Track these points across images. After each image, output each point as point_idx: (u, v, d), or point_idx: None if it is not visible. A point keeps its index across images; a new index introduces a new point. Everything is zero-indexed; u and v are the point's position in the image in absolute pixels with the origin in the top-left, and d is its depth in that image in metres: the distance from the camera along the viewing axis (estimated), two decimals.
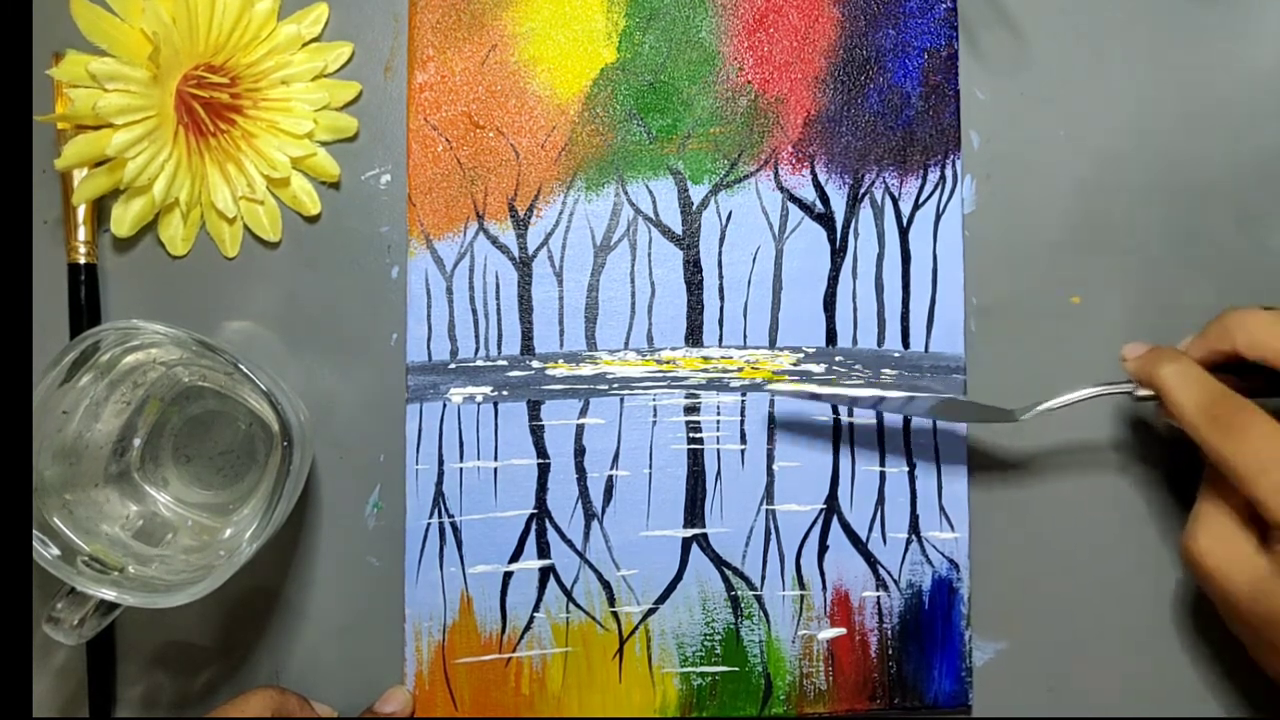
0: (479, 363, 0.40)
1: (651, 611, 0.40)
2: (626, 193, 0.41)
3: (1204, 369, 0.36)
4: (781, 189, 0.41)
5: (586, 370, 0.41)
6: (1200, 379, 0.35)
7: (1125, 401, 0.40)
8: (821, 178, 0.41)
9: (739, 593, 0.40)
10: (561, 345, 0.41)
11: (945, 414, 0.39)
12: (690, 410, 0.41)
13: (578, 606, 0.40)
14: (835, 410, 0.41)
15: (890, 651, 0.40)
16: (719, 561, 0.40)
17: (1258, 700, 0.40)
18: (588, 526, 0.40)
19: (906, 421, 0.41)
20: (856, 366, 0.41)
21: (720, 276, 0.41)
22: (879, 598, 0.40)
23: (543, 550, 0.40)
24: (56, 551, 0.35)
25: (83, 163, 0.39)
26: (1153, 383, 0.36)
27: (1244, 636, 0.36)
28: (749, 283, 0.41)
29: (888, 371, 0.41)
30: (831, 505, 0.40)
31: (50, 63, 0.40)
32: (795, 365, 0.41)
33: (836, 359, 0.41)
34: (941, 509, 0.41)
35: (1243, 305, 0.36)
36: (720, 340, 0.41)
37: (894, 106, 0.41)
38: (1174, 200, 0.42)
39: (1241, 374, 0.36)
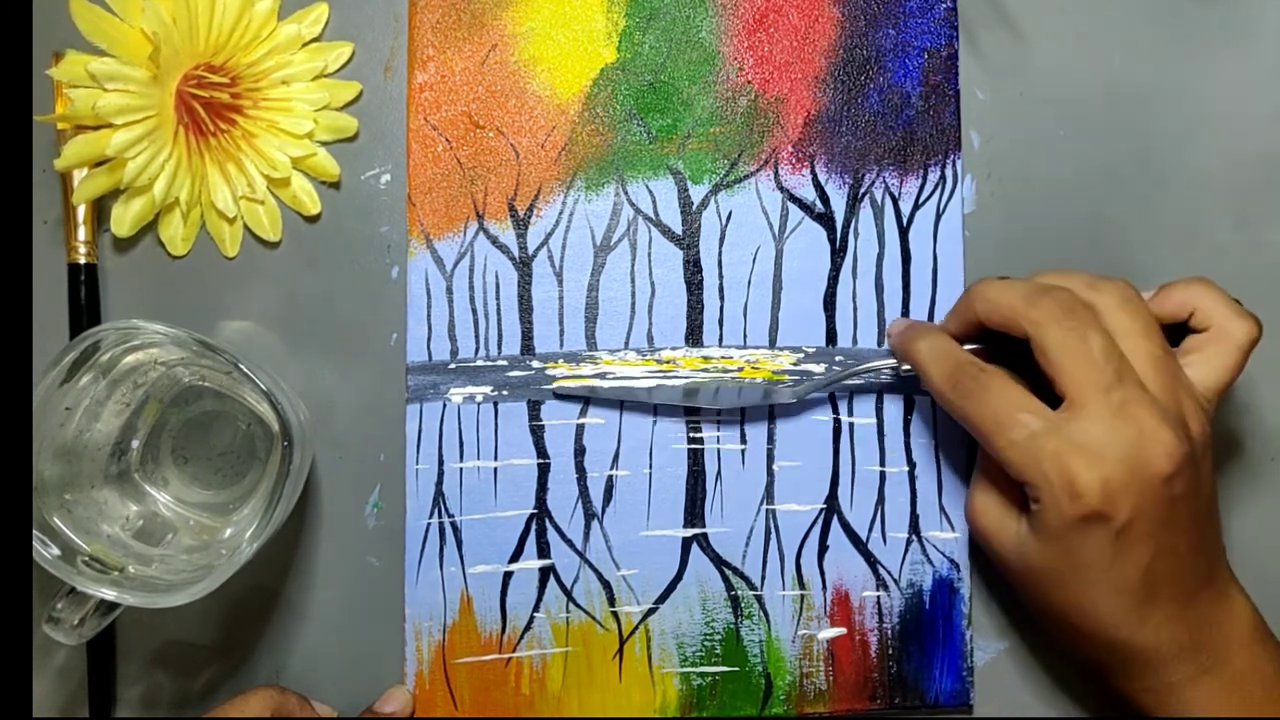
0: (479, 363, 0.40)
1: (651, 611, 0.40)
2: (626, 193, 0.41)
3: (953, 340, 0.37)
4: (781, 189, 0.41)
5: (587, 370, 0.41)
6: (946, 350, 0.37)
7: None
8: (821, 178, 0.41)
9: (739, 592, 0.40)
10: (561, 345, 0.41)
11: (743, 400, 0.40)
12: (690, 410, 0.40)
13: (578, 606, 0.40)
14: (835, 410, 0.41)
15: (890, 651, 0.40)
16: (719, 561, 0.40)
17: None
18: (588, 526, 0.40)
19: (907, 421, 0.41)
20: (856, 367, 0.41)
21: (720, 276, 0.41)
22: (879, 597, 0.40)
23: (543, 550, 0.40)
24: (56, 551, 0.35)
25: (83, 163, 0.39)
26: (907, 357, 0.38)
27: (1021, 597, 0.38)
28: (749, 283, 0.41)
29: (888, 372, 0.41)
30: (831, 505, 0.40)
31: (50, 63, 0.40)
32: (795, 365, 0.41)
33: (836, 359, 0.41)
34: (941, 509, 0.41)
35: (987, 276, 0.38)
36: (720, 340, 0.41)
37: (894, 106, 0.41)
38: (1174, 200, 0.42)
39: (999, 346, 0.37)
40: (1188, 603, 0.35)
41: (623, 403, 0.40)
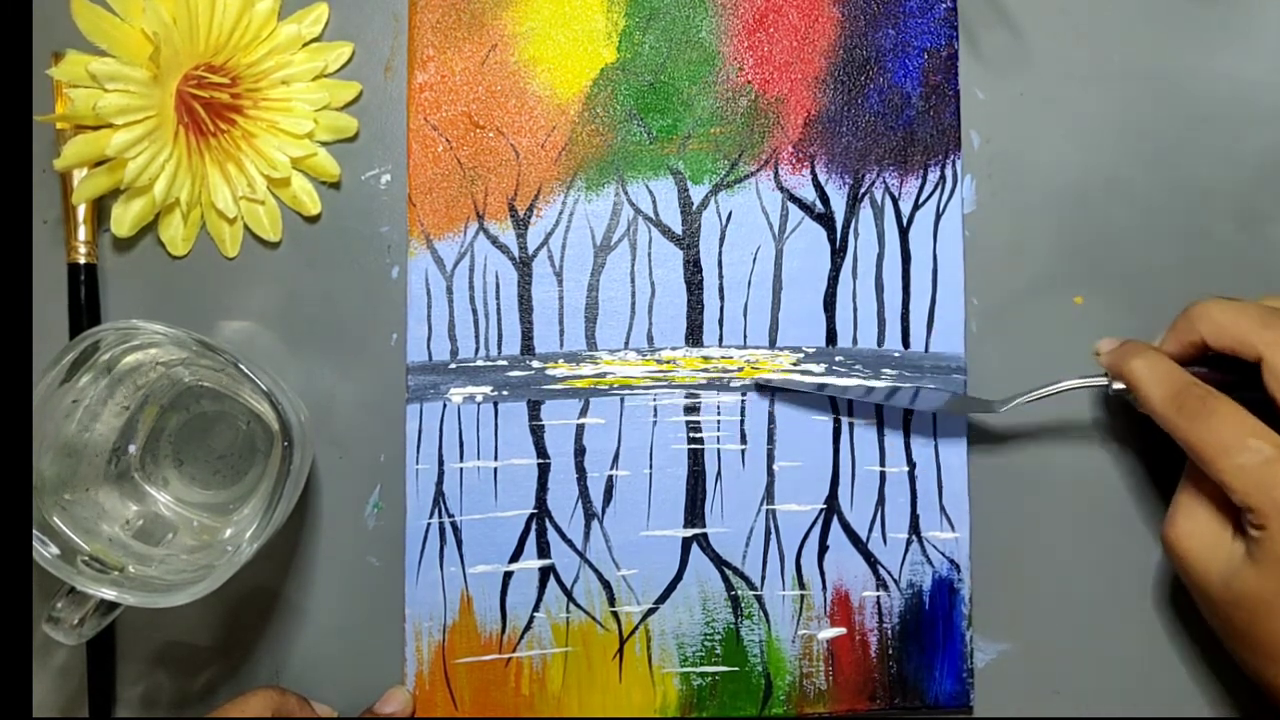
0: (479, 363, 0.40)
1: (651, 611, 0.40)
2: (626, 193, 0.41)
3: (1173, 361, 0.36)
4: (781, 189, 0.41)
5: (587, 370, 0.41)
6: (1168, 370, 0.36)
7: (1128, 405, 0.40)
8: (821, 178, 0.41)
9: (739, 592, 0.40)
10: (561, 345, 0.41)
11: (929, 404, 0.39)
12: (690, 410, 0.41)
13: (578, 606, 0.40)
14: (835, 410, 0.41)
15: (890, 651, 0.40)
16: (719, 561, 0.40)
17: (1261, 701, 0.40)
18: (588, 526, 0.40)
19: (906, 422, 0.41)
20: (856, 366, 0.41)
21: (720, 276, 0.41)
22: (879, 598, 0.40)
23: (543, 550, 0.40)
24: (56, 551, 0.35)
25: (83, 163, 0.39)
26: (1123, 376, 0.37)
27: (1217, 627, 0.37)
28: (749, 283, 0.41)
29: (888, 371, 0.41)
30: (831, 505, 0.40)
31: (50, 63, 0.40)
32: (795, 365, 0.41)
33: (836, 359, 0.41)
34: (942, 509, 0.41)
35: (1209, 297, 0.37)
36: (720, 340, 0.41)
37: (894, 106, 0.41)
38: (1174, 200, 0.42)
39: (1215, 367, 0.36)
40: None
41: (623, 402, 0.40)
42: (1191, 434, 0.34)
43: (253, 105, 0.41)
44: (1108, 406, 0.41)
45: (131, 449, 0.39)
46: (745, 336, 0.41)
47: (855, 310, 0.41)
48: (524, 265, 0.41)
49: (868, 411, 0.41)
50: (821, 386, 0.40)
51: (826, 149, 0.41)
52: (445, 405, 0.40)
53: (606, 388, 0.40)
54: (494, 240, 0.41)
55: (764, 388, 0.40)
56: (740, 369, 0.41)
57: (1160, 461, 0.41)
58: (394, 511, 0.40)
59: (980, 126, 0.42)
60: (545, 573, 0.40)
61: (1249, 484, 0.33)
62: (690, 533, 0.40)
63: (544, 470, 0.40)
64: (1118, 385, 0.37)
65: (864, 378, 0.41)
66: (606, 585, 0.40)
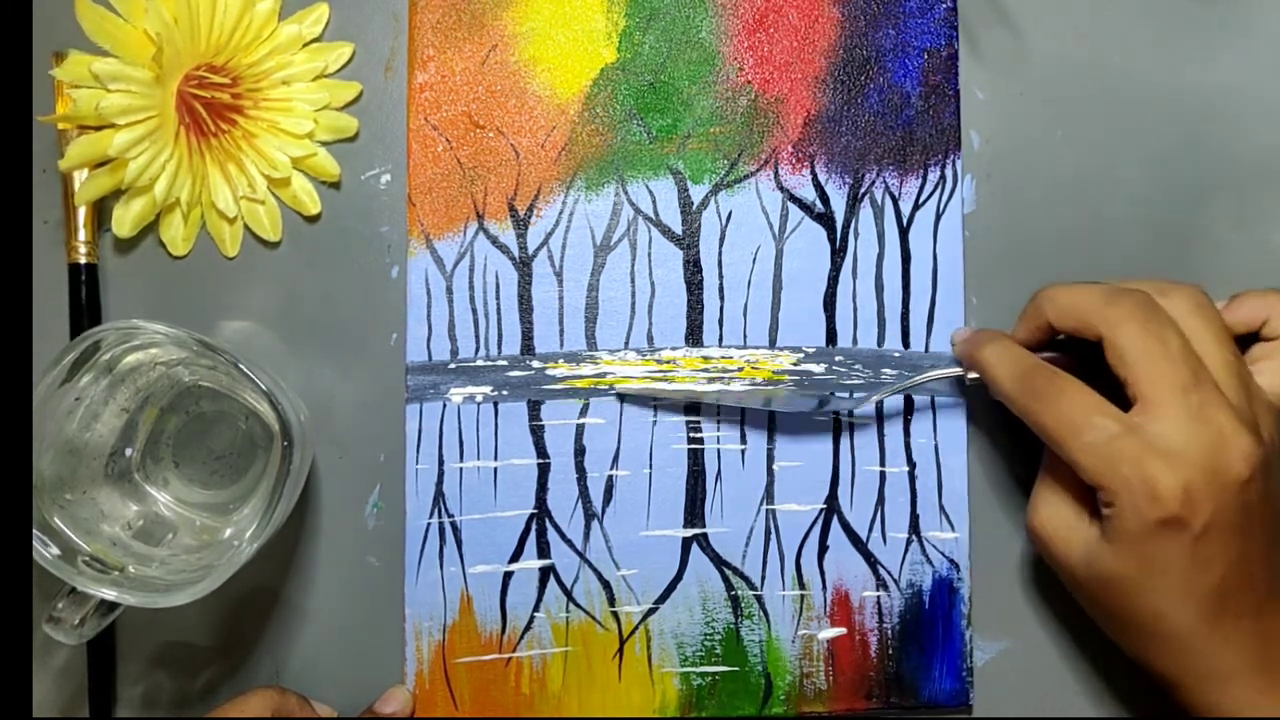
0: (479, 363, 0.40)
1: (651, 611, 0.40)
2: (626, 193, 0.41)
3: (1021, 346, 0.37)
4: (781, 189, 0.41)
5: (587, 370, 0.41)
6: (1015, 354, 0.37)
7: None
8: (821, 178, 0.41)
9: (739, 592, 0.40)
10: (561, 345, 0.41)
11: (796, 406, 0.39)
12: (690, 410, 0.40)
13: (578, 606, 0.40)
14: (826, 407, 0.41)
15: (890, 651, 0.40)
16: (719, 561, 0.40)
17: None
18: (588, 526, 0.40)
19: (907, 421, 0.41)
20: (856, 366, 0.41)
21: (720, 276, 0.41)
22: (879, 597, 0.40)
23: (543, 550, 0.40)
24: (56, 551, 0.35)
25: (86, 163, 0.39)
26: (975, 364, 0.38)
27: (1087, 607, 0.37)
28: (749, 283, 0.41)
29: (888, 371, 0.41)
30: (831, 505, 0.40)
31: (50, 63, 0.40)
32: (795, 365, 0.41)
33: (836, 359, 0.41)
34: (941, 509, 0.41)
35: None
36: (720, 340, 0.41)
37: (894, 106, 0.41)
38: (1173, 200, 0.42)
39: (1066, 350, 0.37)
40: (1258, 615, 0.34)
41: (623, 402, 0.40)
42: (1041, 415, 0.35)
43: (253, 105, 0.41)
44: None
45: (131, 449, 0.39)
46: (745, 336, 0.41)
47: (855, 310, 0.41)
48: (524, 265, 0.41)
49: (868, 411, 0.41)
50: (691, 394, 0.40)
51: (826, 149, 0.41)
52: (445, 405, 0.40)
53: (607, 388, 0.40)
54: (494, 240, 0.41)
55: (623, 396, 0.40)
56: (740, 369, 0.41)
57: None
58: (394, 511, 0.40)
59: (980, 126, 0.42)
60: (545, 573, 0.40)
61: (1096, 461, 0.33)
62: (690, 533, 0.40)
63: (544, 470, 0.40)
64: (973, 375, 0.38)
65: (864, 379, 0.41)
66: (606, 585, 0.40)
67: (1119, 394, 0.34)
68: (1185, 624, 0.34)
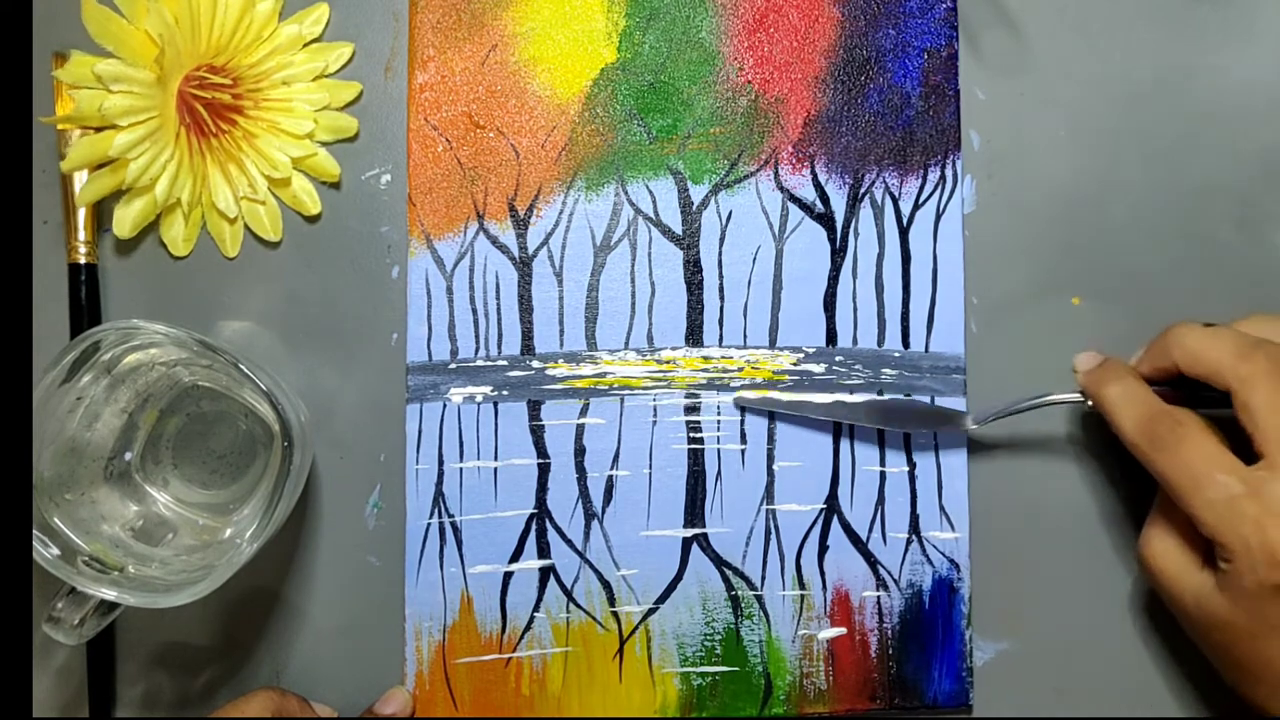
0: (479, 363, 0.40)
1: (652, 611, 0.40)
2: (626, 193, 0.41)
3: (1148, 385, 0.36)
4: (781, 189, 0.41)
5: (587, 370, 0.41)
6: (1140, 397, 0.36)
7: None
8: (821, 178, 0.41)
9: (739, 593, 0.40)
10: (561, 345, 0.41)
11: (898, 421, 0.39)
12: (690, 410, 0.41)
13: (578, 606, 0.40)
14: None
15: (890, 651, 0.40)
16: (719, 561, 0.40)
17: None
18: (588, 526, 0.40)
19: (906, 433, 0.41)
20: (856, 366, 0.41)
21: (720, 276, 0.41)
22: (879, 597, 0.40)
23: (543, 550, 0.40)
24: (56, 551, 0.35)
25: (87, 164, 0.39)
26: (1097, 401, 0.37)
27: (1196, 640, 0.37)
28: (749, 283, 0.41)
29: (888, 371, 0.41)
30: (831, 505, 0.40)
31: (50, 63, 0.40)
32: (795, 365, 0.41)
33: (836, 359, 0.41)
34: (941, 509, 0.41)
35: (1187, 321, 0.37)
36: (720, 340, 0.41)
37: (894, 106, 0.41)
38: (1174, 200, 0.42)
39: (1190, 389, 0.36)
40: None
41: (623, 402, 0.40)
42: (1162, 464, 0.35)
43: (254, 106, 0.41)
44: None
45: (131, 450, 0.39)
46: (745, 336, 0.41)
47: (855, 310, 0.41)
48: (524, 265, 0.41)
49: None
50: (815, 407, 0.40)
51: (826, 149, 0.41)
52: (445, 405, 0.40)
53: (606, 388, 0.40)
54: (494, 240, 0.41)
55: (744, 408, 0.40)
56: (740, 369, 0.41)
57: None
58: (394, 511, 0.40)
59: (980, 126, 0.42)
60: (545, 573, 0.40)
61: (1217, 519, 0.33)
62: (690, 533, 0.40)
63: (544, 470, 0.40)
64: (1092, 404, 0.38)
65: (864, 379, 0.41)
66: (606, 585, 0.40)
67: (1236, 436, 0.34)
68: None
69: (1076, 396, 0.38)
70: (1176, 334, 0.36)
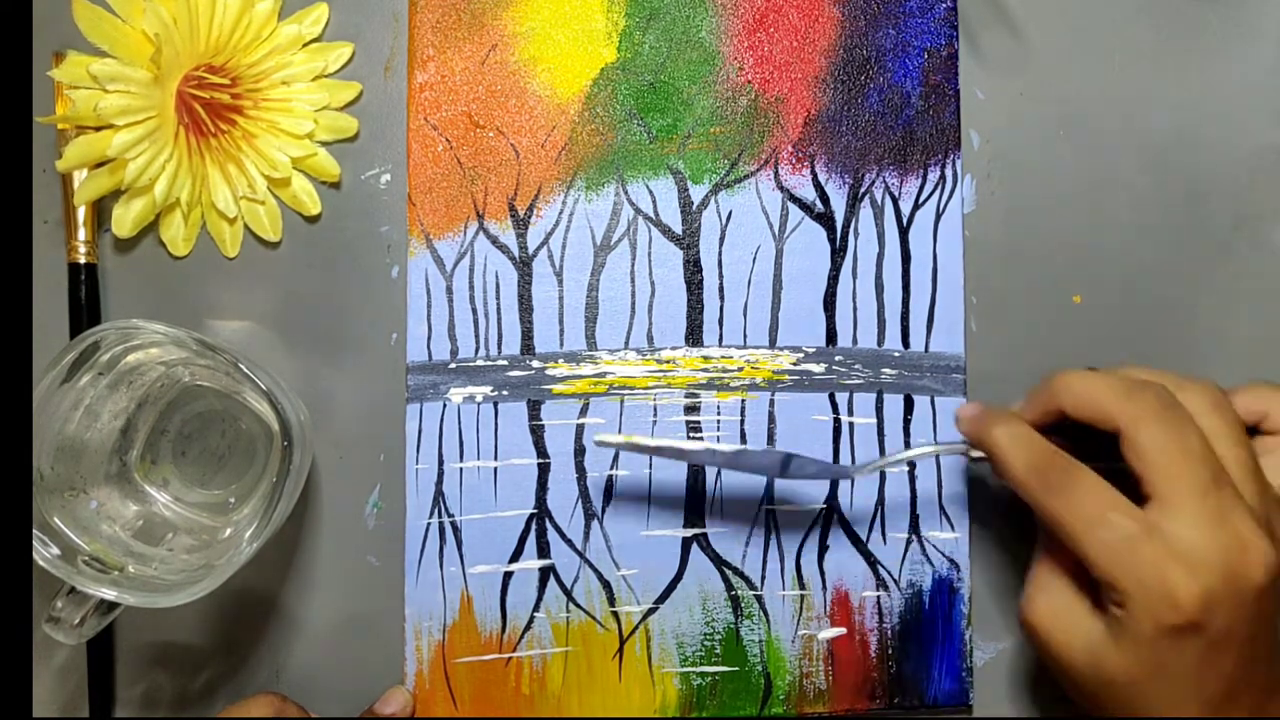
0: (479, 362, 0.40)
1: (651, 611, 0.40)
2: (626, 192, 0.41)
3: (1034, 430, 0.35)
4: (781, 189, 0.41)
5: (587, 370, 0.41)
6: (1029, 439, 0.35)
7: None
8: (821, 177, 0.41)
9: (739, 592, 0.40)
10: (561, 345, 0.41)
11: (787, 472, 0.38)
12: (690, 410, 0.41)
13: (578, 606, 0.40)
14: (835, 410, 0.41)
15: (890, 651, 0.40)
16: (719, 561, 0.40)
17: None
18: (588, 526, 0.40)
19: (907, 421, 0.41)
20: (856, 366, 0.41)
21: (720, 276, 0.41)
22: (879, 597, 0.40)
23: (543, 550, 0.40)
24: (56, 551, 0.35)
25: (84, 164, 0.39)
26: (984, 445, 0.36)
27: (1083, 705, 0.36)
28: (749, 282, 0.41)
29: (888, 371, 0.41)
30: (831, 505, 0.40)
31: (50, 63, 0.40)
32: (795, 365, 0.41)
33: (836, 359, 0.41)
34: (941, 509, 0.41)
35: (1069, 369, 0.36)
36: (720, 340, 0.41)
37: (894, 106, 0.41)
38: (1174, 200, 0.42)
39: (1075, 435, 0.35)
40: (1261, 711, 0.33)
41: (623, 402, 0.40)
42: (1053, 507, 0.34)
43: (253, 105, 0.41)
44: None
45: (131, 449, 0.39)
46: (745, 336, 0.41)
47: (855, 310, 0.41)
48: (524, 265, 0.41)
49: (868, 411, 0.41)
50: (680, 453, 0.38)
51: (826, 149, 0.41)
52: (445, 405, 0.40)
53: (606, 387, 0.40)
54: (494, 240, 0.41)
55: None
56: (740, 369, 0.41)
57: None
58: (394, 511, 0.40)
59: (980, 126, 0.42)
60: (545, 573, 0.40)
61: (1111, 560, 0.32)
62: (690, 533, 0.40)
63: (544, 470, 0.40)
64: (977, 454, 0.37)
65: (864, 379, 0.41)
66: (606, 585, 0.40)
67: (1125, 481, 0.33)
68: None
69: (960, 446, 0.38)
70: (1062, 379, 0.35)
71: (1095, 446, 0.34)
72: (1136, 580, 0.32)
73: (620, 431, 0.40)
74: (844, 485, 0.40)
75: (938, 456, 0.40)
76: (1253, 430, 0.36)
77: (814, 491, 0.40)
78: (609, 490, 0.40)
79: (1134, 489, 0.33)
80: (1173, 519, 0.32)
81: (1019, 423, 0.36)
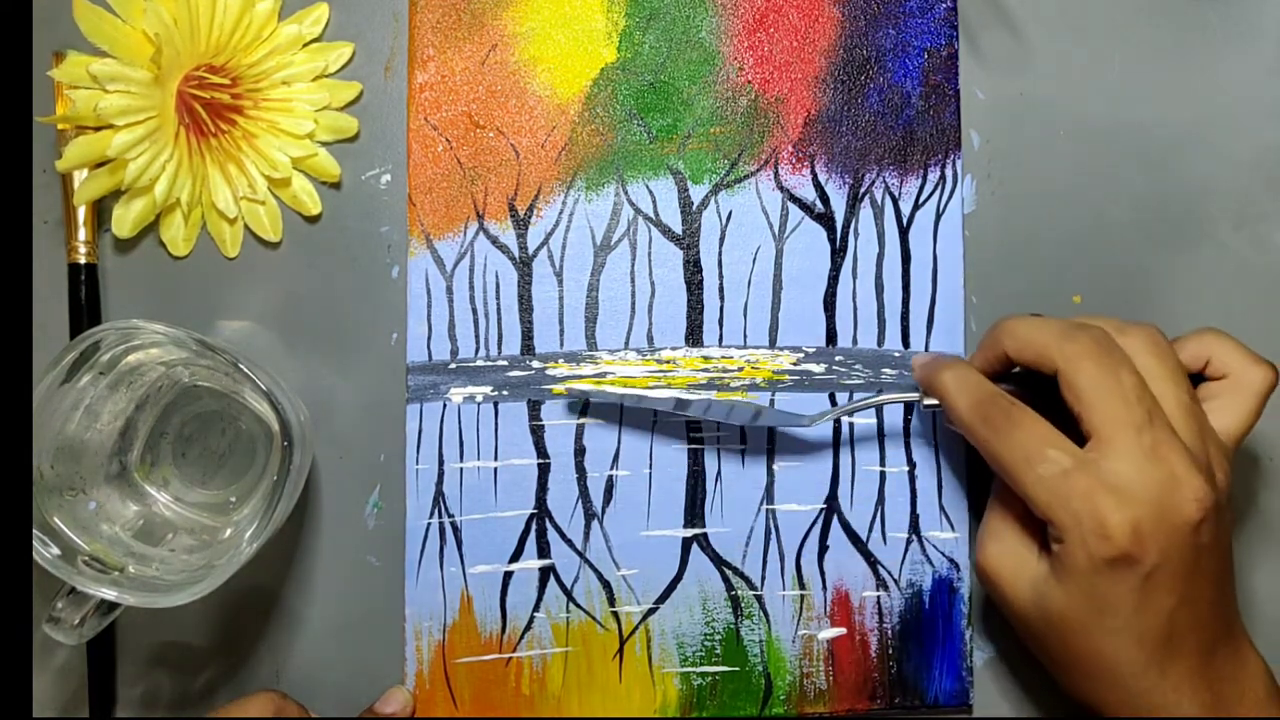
0: (479, 362, 0.40)
1: (652, 611, 0.40)
2: (626, 192, 0.41)
3: (981, 374, 0.37)
4: (781, 189, 0.41)
5: (587, 370, 0.41)
6: (974, 381, 0.36)
7: None
8: (821, 178, 0.41)
9: (739, 592, 0.40)
10: (561, 345, 0.41)
11: (739, 419, 0.39)
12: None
13: (578, 606, 0.40)
14: (834, 406, 0.41)
15: (890, 651, 0.40)
16: (719, 561, 0.40)
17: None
18: (588, 526, 0.40)
19: (907, 421, 0.41)
20: (856, 366, 0.41)
21: (720, 276, 0.41)
22: (879, 597, 0.40)
23: (543, 550, 0.40)
24: (56, 551, 0.35)
25: (84, 164, 0.39)
26: (933, 388, 0.37)
27: (1033, 647, 0.36)
28: (749, 282, 0.41)
29: (888, 371, 0.41)
30: (831, 505, 0.40)
31: (50, 63, 0.40)
32: (795, 365, 0.41)
33: (836, 359, 0.41)
34: (942, 509, 0.41)
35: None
36: (720, 340, 0.41)
37: (894, 106, 0.41)
38: (1173, 200, 0.42)
39: (1024, 383, 0.37)
40: (1207, 658, 0.34)
41: (623, 402, 0.40)
42: (995, 445, 0.34)
43: (253, 106, 0.41)
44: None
45: (131, 449, 0.39)
46: (745, 336, 0.41)
47: (855, 310, 0.41)
48: (524, 265, 0.41)
49: (868, 411, 0.41)
50: (639, 399, 0.39)
51: (826, 149, 0.41)
52: (445, 405, 0.40)
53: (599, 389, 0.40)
54: (494, 240, 0.41)
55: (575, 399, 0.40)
56: (740, 369, 0.41)
57: None
58: (394, 511, 0.40)
59: (980, 126, 0.42)
60: (545, 573, 0.40)
61: (1048, 495, 0.33)
62: (690, 533, 0.40)
63: (544, 470, 0.40)
64: (929, 401, 0.38)
65: (864, 379, 0.41)
66: (606, 585, 0.40)
67: (1076, 430, 0.34)
68: (1132, 665, 0.33)
69: (913, 395, 0.39)
70: (1006, 324, 0.36)
71: (1047, 394, 0.35)
72: (1070, 513, 0.33)
73: (619, 431, 0.40)
74: (844, 485, 0.40)
75: (937, 453, 0.40)
76: (1198, 377, 0.37)
77: (814, 491, 0.40)
78: (609, 490, 0.40)
79: (1075, 425, 0.34)
80: (1107, 455, 0.33)
81: (965, 367, 0.37)
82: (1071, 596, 0.33)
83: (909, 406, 0.41)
